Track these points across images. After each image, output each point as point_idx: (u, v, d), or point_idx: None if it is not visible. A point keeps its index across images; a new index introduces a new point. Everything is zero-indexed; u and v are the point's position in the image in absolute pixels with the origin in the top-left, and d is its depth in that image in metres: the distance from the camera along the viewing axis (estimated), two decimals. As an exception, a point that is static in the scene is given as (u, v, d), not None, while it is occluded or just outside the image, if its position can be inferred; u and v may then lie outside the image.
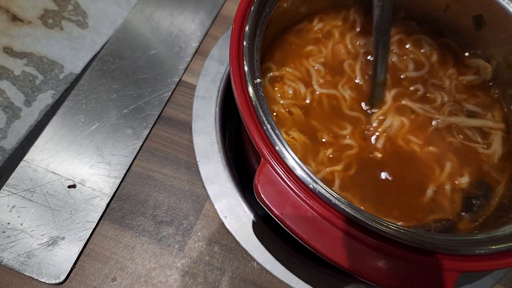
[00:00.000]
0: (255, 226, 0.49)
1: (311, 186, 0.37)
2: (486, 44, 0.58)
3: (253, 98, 0.41)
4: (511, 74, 0.56)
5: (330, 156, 0.50)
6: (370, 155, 0.51)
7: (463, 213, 0.48)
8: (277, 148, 0.38)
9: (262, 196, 0.37)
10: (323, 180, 0.49)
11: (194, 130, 0.54)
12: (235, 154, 0.60)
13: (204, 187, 0.51)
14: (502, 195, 0.50)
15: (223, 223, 0.49)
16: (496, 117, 0.55)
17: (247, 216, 0.50)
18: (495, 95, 0.57)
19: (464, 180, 0.50)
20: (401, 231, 0.37)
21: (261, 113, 0.40)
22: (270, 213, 0.36)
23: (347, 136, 0.51)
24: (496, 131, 0.55)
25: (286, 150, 0.39)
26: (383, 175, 0.50)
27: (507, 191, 0.50)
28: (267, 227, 0.49)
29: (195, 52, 0.60)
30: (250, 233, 0.49)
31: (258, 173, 0.38)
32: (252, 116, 0.40)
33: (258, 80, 0.43)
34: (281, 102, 0.52)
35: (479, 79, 0.58)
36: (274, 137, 0.39)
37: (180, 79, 0.58)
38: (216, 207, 0.50)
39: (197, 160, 0.52)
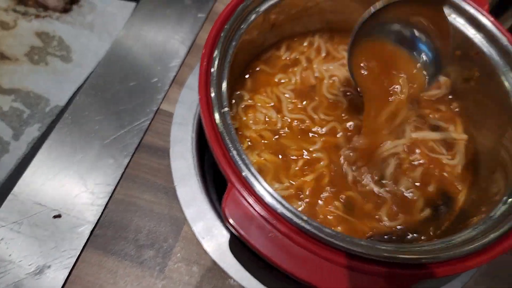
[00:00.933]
0: (231, 245, 0.52)
1: (274, 207, 0.40)
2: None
3: (219, 125, 0.44)
4: (467, 88, 0.59)
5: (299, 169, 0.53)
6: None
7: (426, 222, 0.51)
8: (243, 173, 0.41)
9: (229, 218, 0.39)
10: (295, 193, 0.52)
11: (171, 155, 0.57)
12: (214, 177, 0.62)
13: (182, 210, 0.53)
14: (463, 203, 0.53)
15: (201, 244, 0.52)
16: (458, 129, 0.59)
17: (224, 236, 0.52)
18: (456, 109, 0.60)
19: (430, 189, 0.54)
20: (359, 243, 0.39)
21: (227, 140, 0.43)
22: (236, 234, 0.39)
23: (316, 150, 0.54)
24: (460, 142, 0.58)
25: (252, 174, 0.41)
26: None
27: (467, 199, 0.53)
28: (242, 246, 0.52)
29: (172, 82, 0.63)
30: (226, 252, 0.51)
31: (225, 197, 0.41)
32: (218, 142, 0.43)
33: (226, 109, 0.46)
34: (253, 128, 0.55)
35: (440, 93, 0.61)
36: (240, 162, 0.42)
37: (158, 108, 0.61)
38: (193, 229, 0.52)
39: (175, 184, 0.55)
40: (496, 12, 0.69)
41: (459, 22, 0.57)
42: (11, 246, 0.49)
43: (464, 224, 0.48)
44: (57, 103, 0.66)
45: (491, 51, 0.55)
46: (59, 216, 0.52)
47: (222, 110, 0.45)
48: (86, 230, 0.51)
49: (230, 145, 0.43)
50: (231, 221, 0.39)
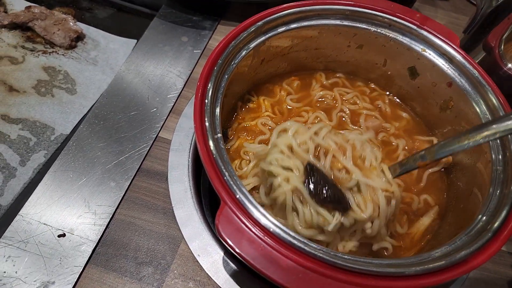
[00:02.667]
0: (225, 262, 0.56)
1: (263, 223, 0.44)
2: (421, 92, 0.68)
3: (213, 151, 0.49)
4: (445, 116, 0.65)
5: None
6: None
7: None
8: (235, 193, 0.46)
9: (222, 233, 0.43)
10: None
11: (169, 179, 0.61)
12: (210, 197, 0.67)
13: (179, 229, 0.57)
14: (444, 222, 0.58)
15: (196, 261, 0.55)
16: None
17: (218, 253, 0.56)
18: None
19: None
20: (342, 257, 0.43)
21: (221, 163, 0.48)
22: (228, 248, 0.43)
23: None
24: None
25: (243, 193, 0.46)
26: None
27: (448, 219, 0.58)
28: (236, 262, 0.56)
29: (170, 111, 0.69)
30: (220, 268, 0.55)
31: (218, 214, 0.45)
32: (213, 166, 0.48)
33: (219, 135, 0.51)
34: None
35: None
36: (232, 183, 0.46)
37: (157, 135, 0.66)
38: (190, 247, 0.56)
39: (173, 205, 0.59)
40: (467, 47, 0.77)
41: (433, 56, 0.64)
42: (18, 263, 0.53)
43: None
44: (61, 131, 0.71)
45: (463, 82, 0.61)
46: (63, 235, 0.55)
47: (216, 136, 0.50)
48: (88, 248, 0.55)
49: (223, 168, 0.47)
50: (223, 235, 0.43)
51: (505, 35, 0.63)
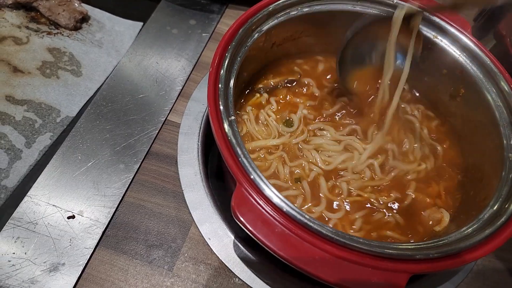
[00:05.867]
0: (236, 245, 0.56)
1: (279, 205, 0.44)
2: (431, 79, 0.68)
3: (228, 133, 0.48)
4: (455, 104, 0.65)
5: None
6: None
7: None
8: (250, 175, 0.45)
9: (238, 215, 0.43)
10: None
11: (179, 162, 0.61)
12: (217, 182, 0.66)
13: (189, 213, 0.57)
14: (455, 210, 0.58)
15: (207, 244, 0.55)
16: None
17: (229, 237, 0.56)
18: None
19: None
20: (360, 241, 0.43)
21: (236, 145, 0.47)
22: (244, 229, 0.43)
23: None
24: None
25: (258, 175, 0.46)
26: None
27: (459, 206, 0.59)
28: (246, 245, 0.56)
29: (179, 95, 0.68)
30: (231, 252, 0.55)
31: (234, 195, 0.45)
32: (228, 148, 0.47)
33: (232, 117, 0.51)
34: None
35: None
36: (247, 164, 0.46)
37: (166, 119, 0.65)
38: (200, 230, 0.56)
39: (183, 189, 0.59)
40: (478, 35, 0.77)
41: (444, 43, 0.64)
42: (27, 244, 0.52)
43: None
44: (67, 114, 0.70)
45: (475, 70, 0.61)
46: (73, 217, 0.55)
47: (230, 119, 0.50)
48: (98, 230, 0.54)
49: (238, 149, 0.47)
50: (240, 217, 0.43)
51: (518, 23, 0.63)
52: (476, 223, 0.48)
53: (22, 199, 0.56)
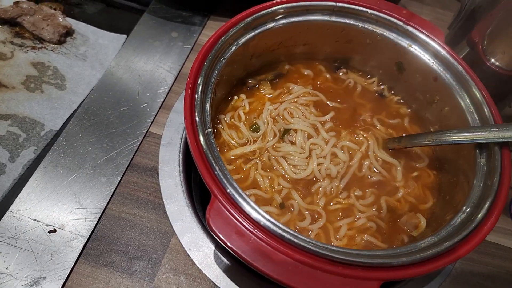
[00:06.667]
0: (216, 256, 0.56)
1: (253, 217, 0.45)
2: (409, 86, 0.69)
3: (203, 145, 0.49)
4: (432, 111, 0.66)
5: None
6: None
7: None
8: (227, 189, 0.46)
9: (213, 227, 0.44)
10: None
11: (160, 174, 0.62)
12: (201, 192, 0.67)
13: (170, 224, 0.58)
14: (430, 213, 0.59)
15: (188, 255, 0.56)
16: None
17: (209, 247, 0.57)
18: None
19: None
20: (331, 249, 0.44)
21: (211, 158, 0.48)
22: (219, 241, 0.44)
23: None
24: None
25: (234, 187, 0.46)
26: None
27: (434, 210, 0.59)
28: (227, 255, 0.57)
29: (160, 106, 0.69)
30: (212, 262, 0.56)
31: (209, 208, 0.45)
32: (204, 161, 0.48)
33: (209, 129, 0.52)
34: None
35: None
36: (222, 177, 0.47)
37: (147, 131, 0.66)
38: (181, 241, 0.57)
39: (164, 200, 0.59)
40: (453, 42, 0.78)
41: (419, 51, 0.65)
42: (8, 259, 0.53)
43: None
44: (51, 127, 0.70)
45: (448, 77, 0.62)
46: (54, 231, 0.56)
47: (206, 131, 0.51)
48: (79, 244, 0.55)
49: (213, 163, 0.48)
50: (214, 229, 0.44)
51: (488, 32, 0.64)
52: (448, 227, 0.49)
53: (4, 214, 0.56)
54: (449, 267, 0.61)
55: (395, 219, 0.60)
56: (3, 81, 0.74)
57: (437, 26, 0.66)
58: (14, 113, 0.71)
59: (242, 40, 0.61)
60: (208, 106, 0.54)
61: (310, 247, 0.44)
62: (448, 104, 0.63)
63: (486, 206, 0.49)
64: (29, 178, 0.60)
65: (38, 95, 0.74)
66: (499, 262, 0.62)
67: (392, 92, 0.73)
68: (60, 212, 0.57)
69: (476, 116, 0.58)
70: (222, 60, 0.59)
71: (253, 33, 0.62)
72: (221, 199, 0.46)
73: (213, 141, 0.51)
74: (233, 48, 0.60)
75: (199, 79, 0.55)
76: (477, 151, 0.55)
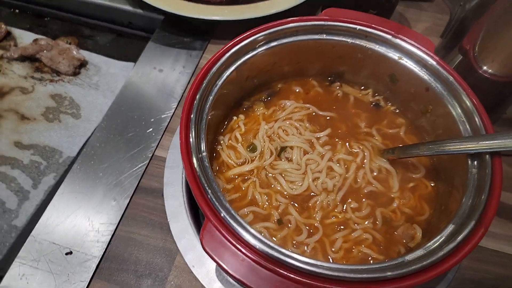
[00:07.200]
0: (218, 271, 0.60)
1: (243, 236, 0.47)
2: (403, 97, 0.70)
3: (197, 169, 0.53)
4: (427, 120, 0.67)
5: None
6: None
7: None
8: (217, 209, 0.49)
9: (206, 248, 0.47)
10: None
11: (165, 195, 0.66)
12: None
13: (174, 242, 0.62)
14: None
15: (191, 272, 0.60)
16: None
17: (211, 264, 0.60)
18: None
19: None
20: (321, 265, 0.46)
21: (204, 181, 0.52)
22: (212, 260, 0.47)
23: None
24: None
25: (225, 208, 0.50)
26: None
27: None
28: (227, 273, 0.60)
29: (165, 130, 0.74)
30: (214, 278, 0.59)
31: (202, 229, 0.49)
32: (198, 185, 0.52)
33: (204, 153, 0.55)
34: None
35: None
36: (214, 199, 0.50)
37: (153, 154, 0.71)
38: (185, 259, 0.61)
39: (168, 220, 0.64)
40: (446, 50, 0.78)
41: (409, 64, 0.66)
42: (31, 280, 0.59)
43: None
44: (69, 154, 0.77)
45: (439, 87, 0.63)
46: (70, 253, 0.61)
47: (200, 155, 0.54)
48: (93, 264, 0.60)
49: (206, 186, 0.51)
50: (207, 250, 0.47)
51: (477, 39, 0.64)
52: (439, 238, 0.50)
53: (26, 239, 0.62)
54: (448, 277, 0.61)
55: (392, 230, 0.61)
56: (25, 114, 0.81)
57: (426, 37, 0.67)
58: (36, 143, 0.78)
59: (234, 66, 0.64)
60: (203, 131, 0.58)
61: (299, 264, 0.46)
62: (440, 114, 0.63)
63: (476, 217, 0.50)
64: (48, 204, 0.66)
65: (56, 125, 0.80)
66: (501, 271, 0.62)
67: (389, 103, 0.74)
68: (76, 235, 0.63)
69: (467, 126, 0.59)
70: (216, 86, 0.62)
71: (244, 58, 0.65)
72: (213, 220, 0.49)
73: (207, 165, 0.54)
74: (226, 74, 0.64)
75: (194, 107, 0.58)
76: (469, 160, 0.56)
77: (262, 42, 0.66)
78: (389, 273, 0.46)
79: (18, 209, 0.71)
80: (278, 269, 0.46)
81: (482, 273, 0.62)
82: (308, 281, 0.46)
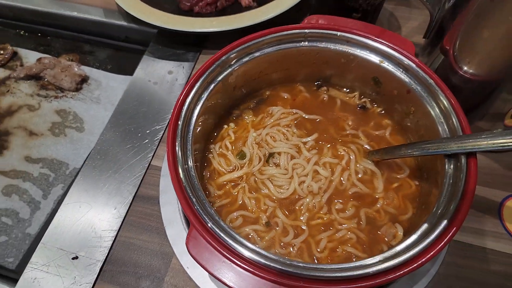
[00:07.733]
0: (210, 272, 0.64)
1: (226, 241, 0.51)
2: (387, 99, 0.72)
3: (183, 179, 0.57)
4: (410, 121, 0.69)
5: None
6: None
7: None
8: (201, 217, 0.53)
9: (191, 252, 0.52)
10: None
11: (161, 202, 0.71)
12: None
13: (170, 246, 0.66)
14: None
15: (186, 272, 0.64)
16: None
17: (204, 265, 0.65)
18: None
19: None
20: (306, 266, 0.49)
21: (189, 190, 0.56)
22: (198, 264, 0.51)
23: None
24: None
25: (209, 215, 0.54)
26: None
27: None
28: (219, 272, 0.64)
29: (160, 141, 0.78)
30: (207, 278, 0.64)
31: (188, 235, 0.53)
32: (184, 195, 0.56)
33: (190, 164, 0.59)
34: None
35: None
36: (199, 207, 0.54)
37: (149, 164, 0.76)
38: (180, 261, 0.65)
39: (164, 226, 0.68)
40: (429, 50, 0.79)
41: (391, 67, 0.68)
42: (42, 284, 0.64)
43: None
44: (74, 166, 0.82)
45: (419, 89, 0.65)
46: (76, 257, 0.66)
47: (186, 166, 0.58)
48: (96, 267, 0.65)
49: (191, 195, 0.55)
50: (192, 254, 0.51)
51: (457, 40, 0.65)
52: (414, 236, 0.52)
53: (37, 245, 0.68)
54: (431, 272, 0.63)
55: (376, 230, 0.63)
56: (33, 130, 0.87)
57: (407, 39, 0.68)
58: (44, 157, 0.84)
59: (219, 78, 0.68)
60: (189, 142, 0.61)
61: (281, 267, 0.49)
62: (421, 115, 0.65)
63: (449, 216, 0.52)
64: (55, 214, 0.72)
65: (62, 139, 0.86)
66: (487, 266, 0.63)
67: (375, 105, 0.76)
68: (81, 241, 0.68)
69: (445, 126, 0.61)
70: (201, 99, 0.65)
71: (229, 69, 0.68)
72: (197, 227, 0.53)
73: (194, 174, 0.58)
74: (212, 86, 0.67)
75: (179, 120, 0.61)
76: (446, 160, 0.58)
77: (245, 54, 0.69)
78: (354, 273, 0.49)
79: (30, 218, 0.77)
80: (256, 272, 0.49)
81: (468, 269, 0.63)
82: (288, 282, 0.49)
